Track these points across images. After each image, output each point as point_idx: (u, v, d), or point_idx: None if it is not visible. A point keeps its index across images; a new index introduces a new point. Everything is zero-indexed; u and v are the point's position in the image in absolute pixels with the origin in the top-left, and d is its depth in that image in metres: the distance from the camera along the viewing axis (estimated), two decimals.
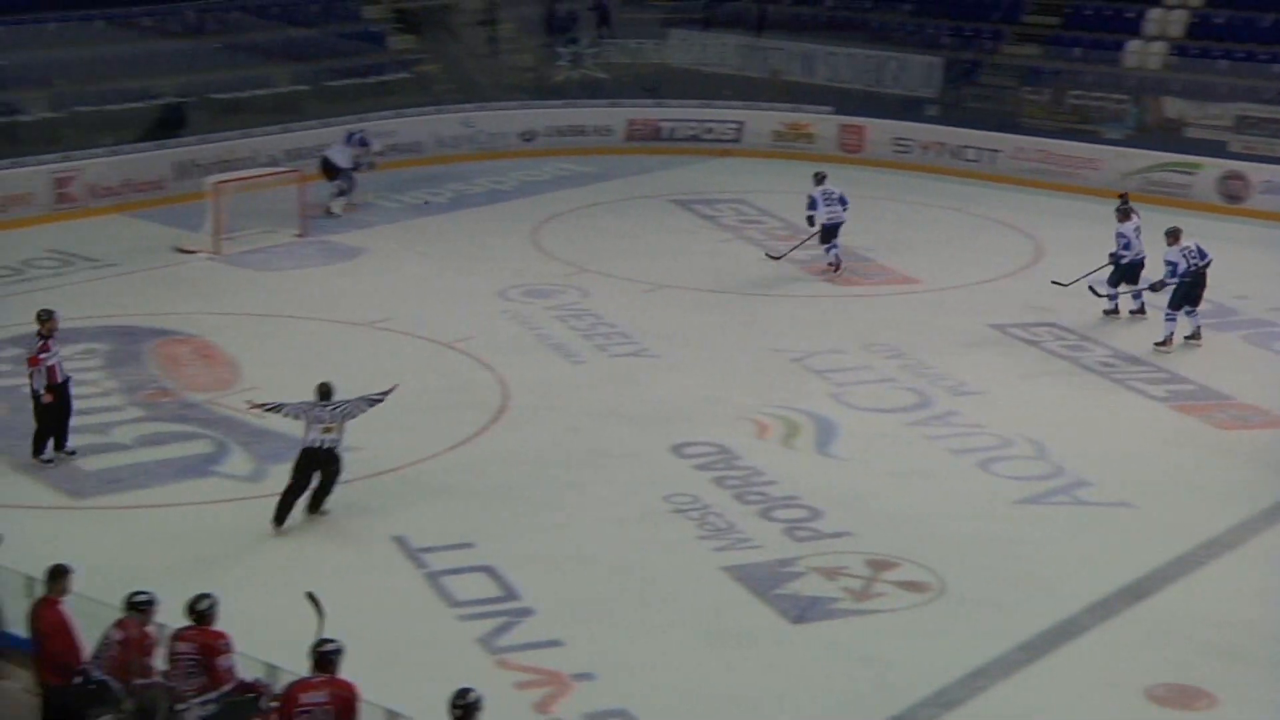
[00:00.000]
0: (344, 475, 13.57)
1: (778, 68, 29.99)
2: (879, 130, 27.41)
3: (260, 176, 22.87)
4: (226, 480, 14.17)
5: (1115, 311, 19.04)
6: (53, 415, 14.29)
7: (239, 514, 13.49)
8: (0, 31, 25.30)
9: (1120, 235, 18.80)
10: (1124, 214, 18.90)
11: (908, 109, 28.16)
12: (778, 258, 21.09)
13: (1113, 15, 28.65)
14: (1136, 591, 12.38)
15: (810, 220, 20.81)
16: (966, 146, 26.67)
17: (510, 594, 12.12)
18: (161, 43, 27.05)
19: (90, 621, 9.24)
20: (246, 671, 9.02)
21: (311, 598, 9.09)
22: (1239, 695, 10.98)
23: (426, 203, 24.18)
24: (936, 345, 18.11)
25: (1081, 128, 26.97)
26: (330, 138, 24.67)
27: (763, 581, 12.42)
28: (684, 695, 10.84)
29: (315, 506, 13.29)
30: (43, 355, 14.23)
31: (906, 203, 24.70)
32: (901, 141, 27.23)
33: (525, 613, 11.85)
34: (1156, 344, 17.96)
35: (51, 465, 14.24)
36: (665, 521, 13.51)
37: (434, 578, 12.37)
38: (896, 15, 30.82)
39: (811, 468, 14.75)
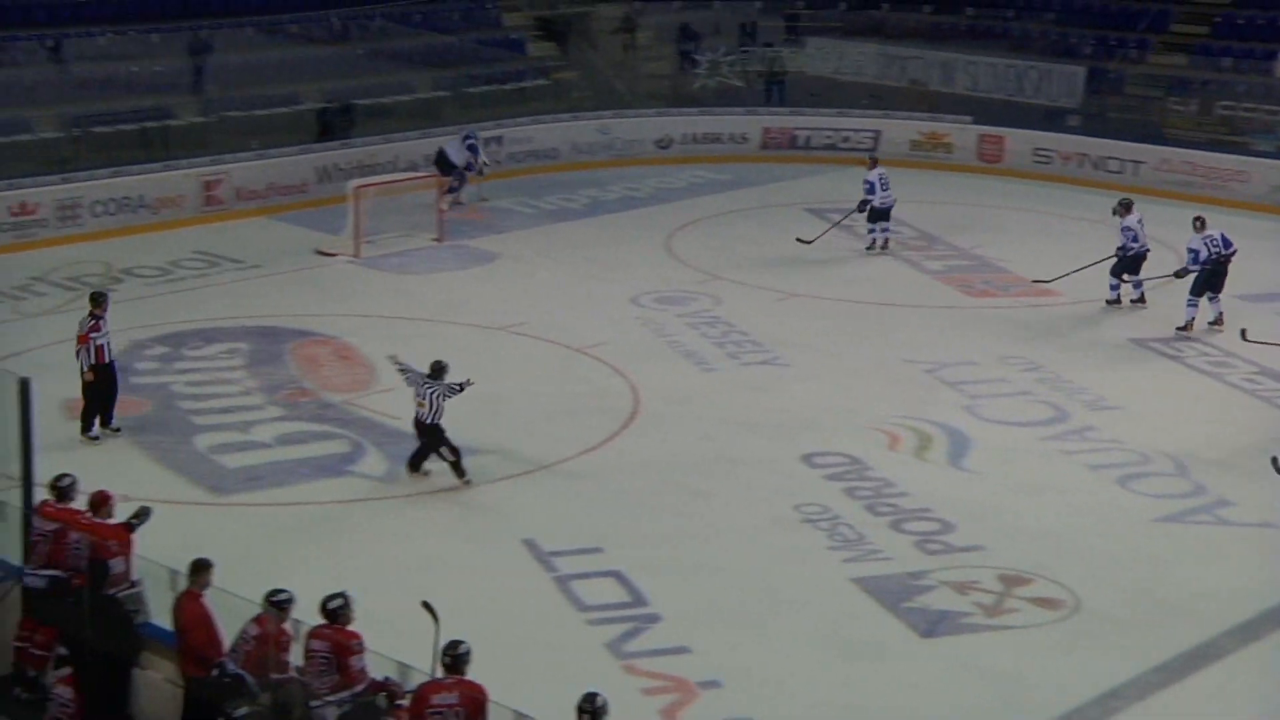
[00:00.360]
0: (477, 477, 13.86)
1: (916, 76, 29.72)
2: (1019, 140, 27.04)
3: (400, 181, 23.22)
4: (361, 480, 14.39)
5: (1118, 301, 19.46)
6: (99, 393, 14.84)
7: (373, 513, 13.70)
8: (154, 39, 26.00)
9: (1126, 229, 19.25)
10: (1126, 208, 19.42)
11: (1049, 119, 27.75)
12: (809, 242, 21.68)
13: (1265, 24, 27.93)
14: None
15: (863, 205, 21.64)
16: (1109, 158, 26.17)
17: (639, 599, 12.15)
18: (308, 49, 27.58)
19: (229, 615, 9.43)
20: (378, 670, 9.14)
21: (427, 606, 9.12)
22: None
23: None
24: (1074, 358, 17.81)
25: (1230, 139, 26.34)
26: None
27: (892, 594, 12.30)
28: (810, 707, 10.78)
29: (414, 466, 14.19)
30: (92, 335, 14.80)
31: (1046, 214, 24.31)
32: (1042, 152, 26.82)
33: (653, 619, 11.87)
34: (1178, 328, 18.53)
35: (99, 442, 14.69)
36: (795, 531, 13.45)
37: (563, 581, 12.45)
38: (1039, 24, 30.38)
39: (944, 480, 14.59)
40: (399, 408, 15.74)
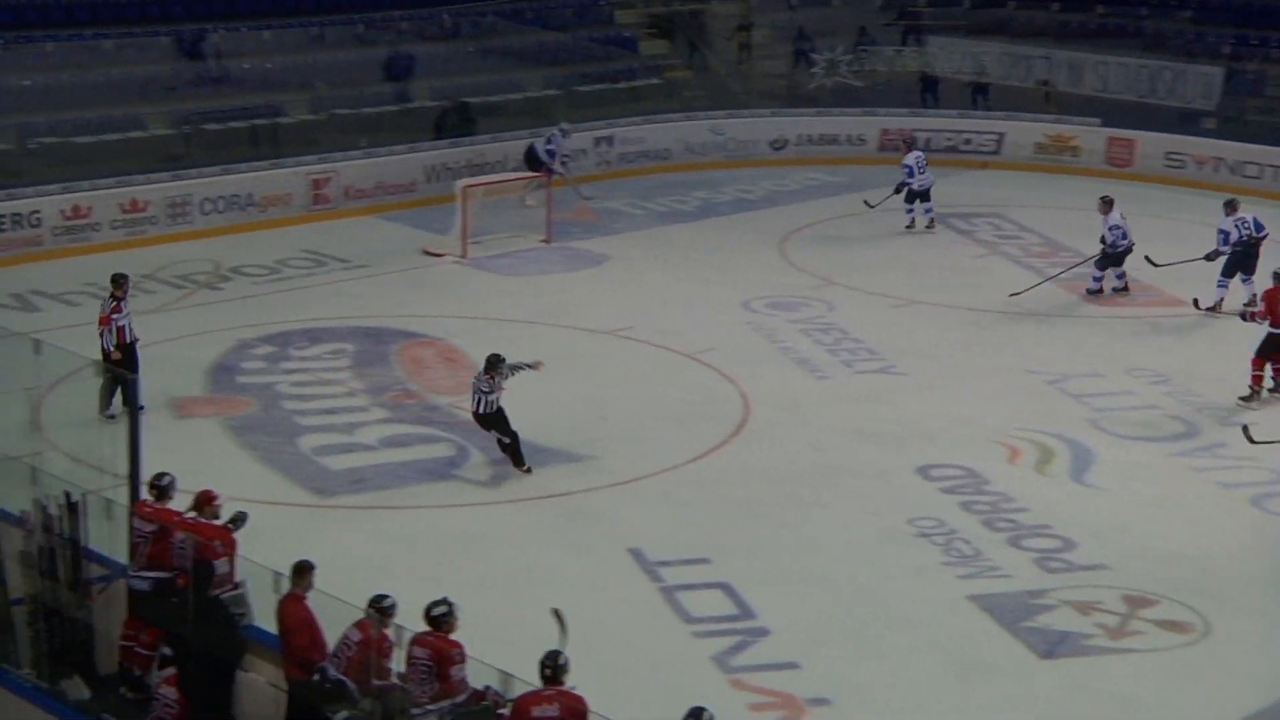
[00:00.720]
0: (582, 484, 14.06)
1: (1043, 77, 29.34)
2: (1151, 144, 26.58)
3: (509, 181, 23.39)
4: (466, 485, 14.50)
5: (1099, 291, 20.17)
6: (118, 373, 15.11)
7: (477, 518, 13.80)
8: (266, 36, 26.45)
9: (1114, 228, 19.89)
10: (1107, 205, 20.08)
11: (1183, 122, 27.26)
12: (874, 206, 23.35)
13: None
14: None
15: (900, 187, 22.94)
16: (1247, 162, 25.65)
17: (746, 613, 12.11)
18: (418, 46, 27.87)
19: (330, 619, 9.51)
20: (480, 680, 9.18)
21: (557, 614, 9.14)
22: None
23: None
24: (1206, 372, 17.47)
25: None
26: (578, 142, 25.17)
27: (1011, 612, 12.15)
28: None
29: (516, 463, 14.53)
30: (114, 316, 15.38)
31: (1178, 220, 23.84)
32: (1175, 156, 26.35)
33: (761, 633, 11.83)
34: (1207, 309, 19.30)
35: (115, 421, 14.51)
36: (909, 545, 13.33)
37: (669, 592, 12.44)
38: (1174, 23, 29.86)
39: (1066, 496, 14.38)
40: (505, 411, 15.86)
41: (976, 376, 17.40)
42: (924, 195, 23.12)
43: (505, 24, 29.31)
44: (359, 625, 9.30)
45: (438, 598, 9.33)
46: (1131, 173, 26.38)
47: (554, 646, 8.93)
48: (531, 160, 24.00)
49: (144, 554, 10.29)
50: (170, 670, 9.86)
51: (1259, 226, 19.21)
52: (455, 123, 25.77)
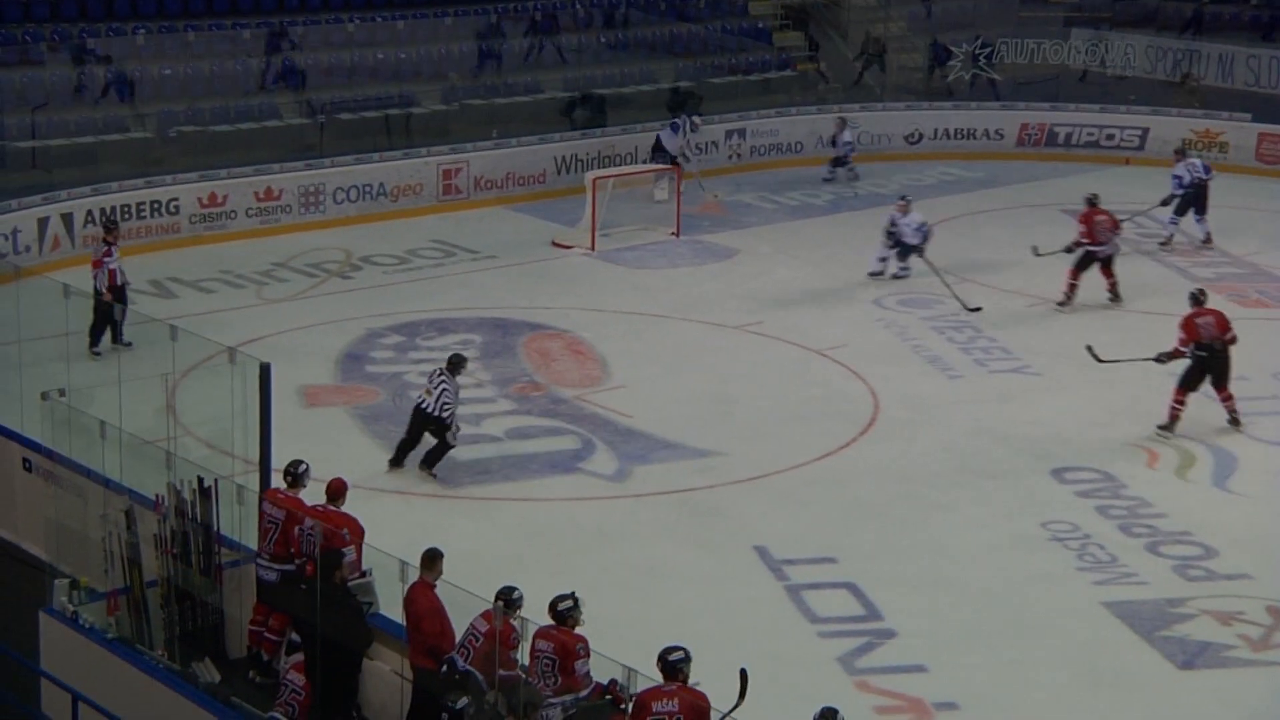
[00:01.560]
0: (708, 480, 13.96)
1: (1189, 70, 28.73)
2: None
3: (639, 173, 23.45)
4: (591, 478, 14.58)
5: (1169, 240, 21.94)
6: (107, 313, 16.49)
7: (602, 512, 13.87)
8: (400, 26, 26.80)
9: (1176, 176, 21.63)
10: (1179, 155, 22.18)
11: None
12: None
13: None
14: None
15: (1170, 199, 21.93)
16: None
17: (873, 613, 12.05)
18: (549, 37, 28.02)
19: (455, 610, 9.62)
20: (603, 674, 9.23)
21: (743, 676, 8.88)
22: None
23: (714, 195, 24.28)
24: None
25: None
26: (709, 134, 25.18)
27: (1148, 621, 11.96)
28: None
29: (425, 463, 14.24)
30: (105, 259, 16.94)
31: None
32: None
33: (888, 634, 11.76)
34: (1160, 244, 21.80)
35: (100, 358, 16.00)
36: (1042, 549, 13.17)
37: (794, 591, 12.42)
38: None
39: (1207, 502, 14.12)
40: (631, 405, 15.93)
41: (1114, 379, 17.09)
42: (1198, 206, 21.74)
43: (638, 14, 29.38)
44: (485, 616, 9.38)
45: (563, 592, 9.38)
46: None
47: (671, 642, 8.92)
48: (659, 152, 24.04)
49: (273, 540, 10.49)
50: (298, 656, 10.04)
51: (1206, 169, 21.69)
52: (586, 114, 25.92)
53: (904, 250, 20.33)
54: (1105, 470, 14.65)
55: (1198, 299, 15.88)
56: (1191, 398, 16.31)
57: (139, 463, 11.08)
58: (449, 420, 13.99)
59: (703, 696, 8.72)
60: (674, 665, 8.78)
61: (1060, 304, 19.31)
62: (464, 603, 9.50)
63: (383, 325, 18.44)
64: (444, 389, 13.98)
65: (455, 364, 14.23)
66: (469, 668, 9.31)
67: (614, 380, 16.78)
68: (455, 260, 21.38)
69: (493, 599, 9.28)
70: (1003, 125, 27.67)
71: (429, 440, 14.21)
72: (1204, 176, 21.60)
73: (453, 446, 14.16)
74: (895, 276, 20.44)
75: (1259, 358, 17.69)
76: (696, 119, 24.57)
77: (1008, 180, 25.84)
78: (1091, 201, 19.31)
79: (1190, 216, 21.65)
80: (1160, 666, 11.41)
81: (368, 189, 23.04)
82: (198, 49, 24.82)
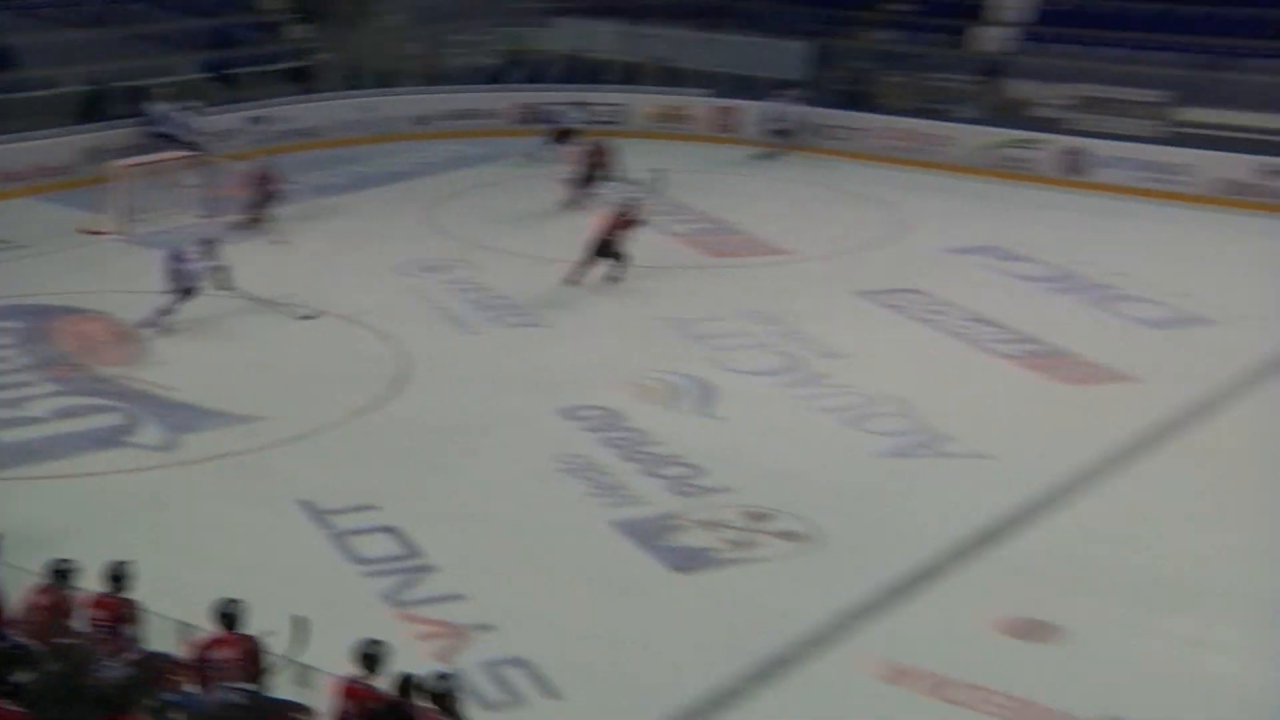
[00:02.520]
0: (253, 443, 13.74)
1: (658, 54, 29.96)
2: (750, 111, 27.57)
3: (163, 160, 22.36)
4: (140, 450, 13.95)
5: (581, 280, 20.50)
6: None
7: (154, 482, 13.31)
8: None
9: None
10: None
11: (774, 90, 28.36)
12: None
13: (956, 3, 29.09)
14: (993, 535, 12.67)
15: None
16: (835, 126, 26.98)
17: (413, 551, 12.10)
18: (64, 33, 26.33)
19: (15, 589, 9.10)
20: (160, 635, 8.93)
21: (299, 624, 8.69)
22: (1086, 626, 11.28)
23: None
24: (808, 311, 18.30)
25: (934, 108, 27.35)
26: (229, 122, 24.40)
27: (649, 535, 12.52)
28: (579, 641, 10.90)
29: None
30: None
31: (779, 180, 24.90)
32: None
33: (427, 569, 11.85)
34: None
35: None
36: (558, 481, 13.55)
37: (339, 538, 12.31)
38: (766, 3, 30.92)
39: (694, 428, 14.85)
40: (173, 379, 15.39)
41: (613, 325, 17.76)
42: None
43: (149, 10, 28.04)
44: (40, 590, 8.89)
45: (116, 559, 9.04)
46: (734, 137, 27.48)
47: (227, 594, 8.75)
48: (169, 139, 23.18)
49: None
50: None
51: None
52: (107, 106, 24.55)
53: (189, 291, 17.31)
54: (608, 407, 15.19)
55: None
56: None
57: None
58: None
59: (258, 641, 8.58)
60: (230, 616, 8.62)
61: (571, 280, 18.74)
62: (21, 580, 8.98)
63: None
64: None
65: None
66: (21, 640, 8.78)
67: (155, 357, 16.08)
68: None
69: (45, 572, 8.79)
70: (496, 105, 28.15)
71: None
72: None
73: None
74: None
75: (731, 299, 18.78)
76: (198, 104, 23.86)
77: (509, 154, 26.30)
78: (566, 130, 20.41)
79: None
80: (660, 573, 11.98)
81: None
82: None
